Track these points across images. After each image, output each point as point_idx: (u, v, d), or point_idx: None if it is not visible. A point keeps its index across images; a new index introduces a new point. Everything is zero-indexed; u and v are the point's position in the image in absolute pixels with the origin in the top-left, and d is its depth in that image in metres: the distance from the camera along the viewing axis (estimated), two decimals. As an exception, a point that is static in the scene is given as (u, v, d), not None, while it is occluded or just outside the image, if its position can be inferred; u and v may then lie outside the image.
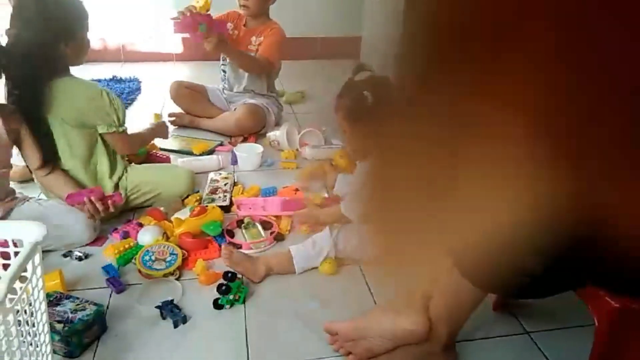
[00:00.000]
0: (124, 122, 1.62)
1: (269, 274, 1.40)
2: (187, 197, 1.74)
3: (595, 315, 0.81)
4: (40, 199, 1.58)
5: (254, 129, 2.30)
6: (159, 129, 1.97)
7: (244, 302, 1.30)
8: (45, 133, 1.54)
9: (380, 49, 3.53)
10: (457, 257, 0.81)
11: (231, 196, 1.76)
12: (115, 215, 1.63)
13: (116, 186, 1.65)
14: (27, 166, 1.60)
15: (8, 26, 1.49)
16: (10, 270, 0.82)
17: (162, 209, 1.64)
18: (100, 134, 1.61)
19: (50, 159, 1.55)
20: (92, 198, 1.48)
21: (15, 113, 1.48)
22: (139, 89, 2.95)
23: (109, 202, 1.51)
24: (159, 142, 2.11)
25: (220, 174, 1.93)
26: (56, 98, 1.52)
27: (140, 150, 1.94)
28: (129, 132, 1.68)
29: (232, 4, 2.35)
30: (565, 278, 0.82)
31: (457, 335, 1.10)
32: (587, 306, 0.82)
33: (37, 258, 0.91)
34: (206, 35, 2.02)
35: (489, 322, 1.27)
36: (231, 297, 1.28)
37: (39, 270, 0.92)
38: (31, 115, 1.51)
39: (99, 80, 2.96)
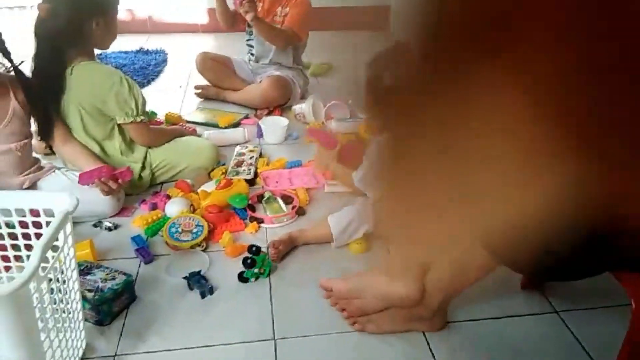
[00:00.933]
0: (142, 112, 1.60)
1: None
2: (212, 170, 1.75)
3: (632, 299, 0.78)
4: (67, 170, 1.61)
5: (279, 101, 2.28)
6: (181, 130, 1.94)
7: (268, 275, 1.30)
8: (56, 111, 1.55)
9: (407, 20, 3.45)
10: (485, 236, 0.80)
11: (256, 169, 1.76)
12: (144, 189, 1.65)
13: (142, 165, 1.65)
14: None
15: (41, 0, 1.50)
16: (43, 239, 0.84)
17: (189, 181, 1.65)
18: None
19: (48, 137, 1.55)
20: (102, 178, 1.47)
21: (29, 84, 1.48)
22: (165, 61, 2.95)
23: (119, 179, 1.50)
24: (185, 114, 2.12)
25: (246, 146, 1.92)
26: (76, 82, 1.54)
27: (151, 113, 1.93)
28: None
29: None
30: (593, 261, 0.79)
31: (449, 303, 1.13)
32: (625, 289, 0.80)
33: (69, 227, 0.92)
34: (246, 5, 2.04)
35: (518, 301, 1.25)
36: (256, 270, 1.28)
37: (70, 240, 0.93)
38: (49, 92, 1.53)
39: (126, 52, 2.98)
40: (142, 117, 1.60)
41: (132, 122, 1.59)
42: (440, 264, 1.05)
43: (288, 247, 1.40)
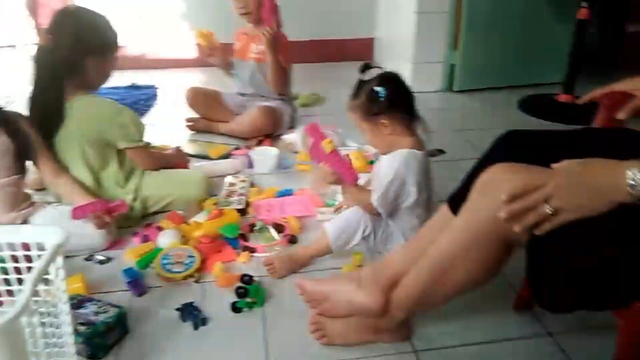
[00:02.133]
0: (143, 137, 1.67)
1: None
2: (204, 201, 1.75)
3: (618, 316, 0.80)
4: (59, 204, 1.61)
5: (268, 130, 2.32)
6: (179, 154, 1.98)
7: (262, 304, 1.30)
8: (48, 144, 1.58)
9: (393, 50, 3.57)
10: None
11: (247, 199, 1.77)
12: (136, 221, 1.66)
13: (134, 196, 1.67)
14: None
15: (47, 28, 1.56)
16: (34, 272, 0.84)
17: (180, 212, 1.66)
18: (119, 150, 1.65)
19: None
20: (97, 212, 1.48)
21: (21, 119, 1.52)
22: (155, 96, 2.99)
23: (113, 213, 1.51)
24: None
25: (237, 177, 1.94)
26: (77, 114, 1.57)
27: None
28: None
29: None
30: None
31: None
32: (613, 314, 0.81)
33: (59, 260, 0.92)
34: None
35: (511, 323, 1.26)
36: (249, 300, 1.28)
37: (61, 273, 0.93)
38: (48, 126, 1.56)
39: (116, 88, 3.01)
40: (144, 142, 1.67)
41: (134, 147, 1.65)
42: (409, 280, 1.06)
43: (287, 265, 1.42)
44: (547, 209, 0.76)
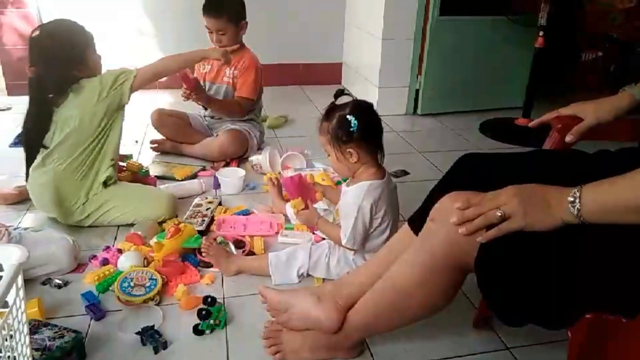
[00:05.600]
0: (132, 72, 1.71)
1: (241, 273, 1.51)
2: (164, 221, 1.74)
3: (567, 329, 0.83)
4: (23, 229, 1.57)
5: (236, 154, 2.32)
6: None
7: (224, 326, 1.29)
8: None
9: (360, 75, 3.65)
10: None
11: (211, 219, 1.77)
12: (79, 221, 1.72)
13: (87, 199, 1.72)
14: None
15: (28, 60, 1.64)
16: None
17: (140, 233, 1.64)
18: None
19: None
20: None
21: None
22: (121, 117, 2.95)
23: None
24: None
25: (205, 197, 1.93)
26: (71, 98, 1.65)
27: (141, 172, 2.01)
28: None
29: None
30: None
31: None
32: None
33: (20, 280, 0.89)
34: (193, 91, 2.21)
35: (471, 339, 1.28)
36: (211, 321, 1.27)
37: (21, 293, 0.90)
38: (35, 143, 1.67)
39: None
40: (134, 75, 1.71)
41: (128, 74, 1.70)
42: (366, 303, 1.08)
43: (224, 257, 1.50)
44: (498, 213, 0.79)
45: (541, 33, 2.72)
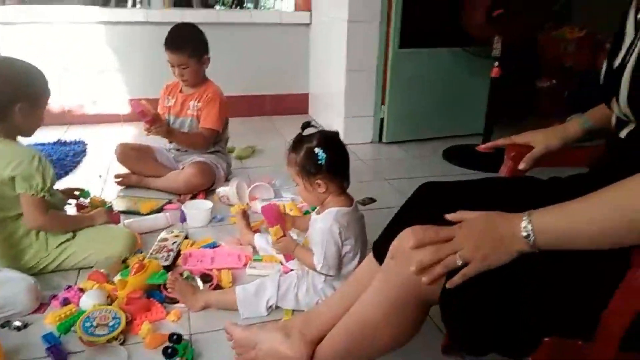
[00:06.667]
0: (46, 191, 1.56)
1: (208, 308, 1.48)
2: (127, 258, 1.70)
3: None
4: None
5: (203, 186, 2.31)
6: (98, 215, 1.79)
7: (192, 363, 1.26)
8: None
9: (326, 105, 3.71)
10: None
11: (177, 253, 1.75)
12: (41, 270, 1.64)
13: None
14: None
15: None
16: None
17: (103, 270, 1.60)
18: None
19: None
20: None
21: None
22: (84, 152, 2.91)
23: None
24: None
25: (171, 232, 1.91)
26: None
27: (104, 207, 1.92)
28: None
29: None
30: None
31: None
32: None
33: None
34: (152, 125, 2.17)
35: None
36: (178, 359, 1.24)
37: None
38: None
39: (43, 144, 2.91)
40: (44, 194, 1.55)
41: (32, 195, 1.54)
42: (333, 338, 1.07)
43: (190, 292, 1.47)
44: (458, 262, 0.80)
45: (496, 64, 2.84)
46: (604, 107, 1.04)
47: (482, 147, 1.27)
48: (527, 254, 0.79)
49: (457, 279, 0.81)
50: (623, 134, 0.85)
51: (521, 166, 1.15)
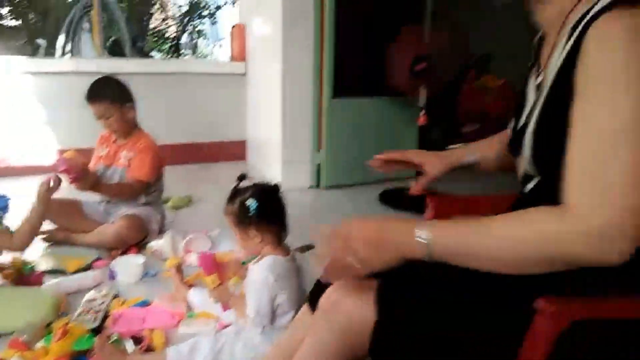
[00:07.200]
0: None
1: None
2: (51, 322, 1.60)
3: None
4: None
5: (134, 240, 2.23)
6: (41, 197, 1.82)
7: None
8: None
9: (264, 151, 3.72)
10: None
11: (106, 314, 1.66)
12: None
13: None
14: None
15: None
16: None
17: (23, 338, 1.49)
18: None
19: None
20: None
21: None
22: (6, 207, 2.73)
23: None
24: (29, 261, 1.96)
25: (100, 290, 1.81)
26: None
27: (25, 268, 1.85)
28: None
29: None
30: None
31: None
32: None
33: None
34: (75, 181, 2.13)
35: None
36: None
37: None
38: None
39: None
40: None
41: None
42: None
43: (118, 358, 1.40)
44: (357, 265, 0.81)
45: (422, 112, 3.00)
46: (488, 142, 1.21)
47: (412, 191, 1.35)
48: (448, 306, 0.83)
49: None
50: (528, 188, 0.91)
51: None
